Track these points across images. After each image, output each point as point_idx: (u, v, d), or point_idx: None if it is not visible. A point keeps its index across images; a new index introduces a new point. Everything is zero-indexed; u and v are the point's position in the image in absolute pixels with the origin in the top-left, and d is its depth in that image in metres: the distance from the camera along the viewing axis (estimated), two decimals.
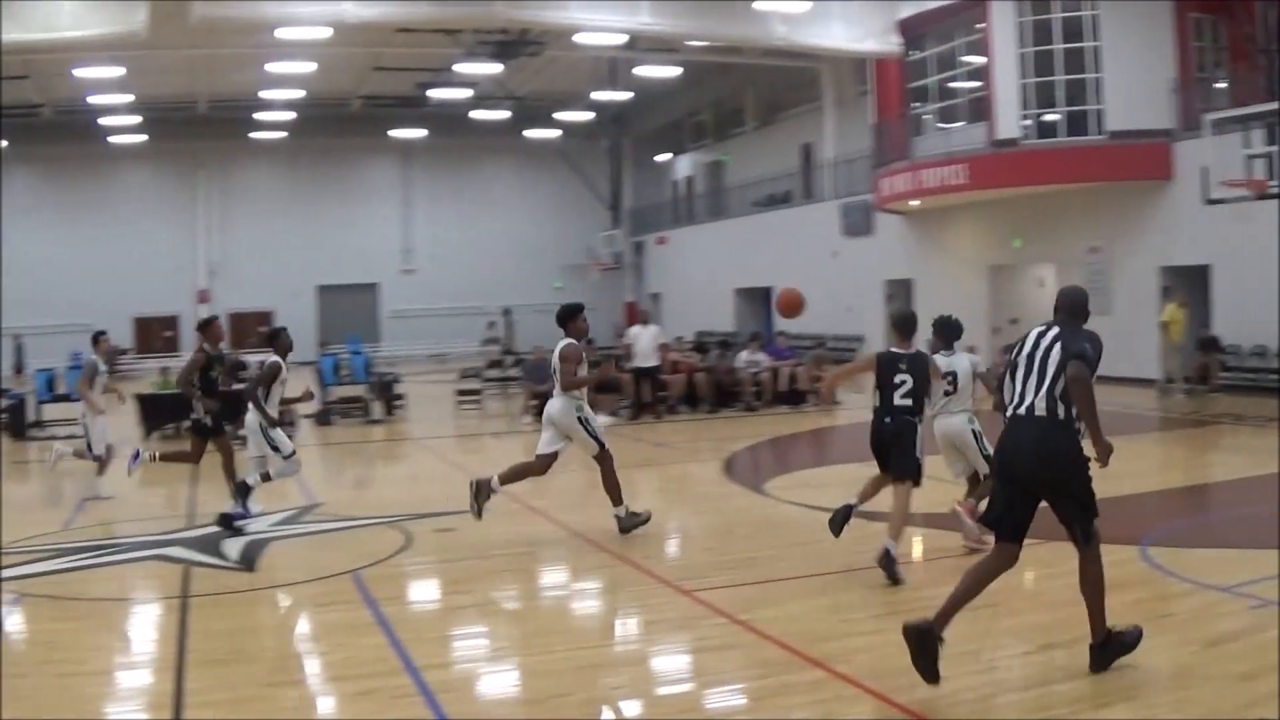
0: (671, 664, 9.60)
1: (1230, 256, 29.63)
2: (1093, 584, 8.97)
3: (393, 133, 59.04)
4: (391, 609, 10.87)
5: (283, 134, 56.99)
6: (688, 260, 58.71)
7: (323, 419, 27.81)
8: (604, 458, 14.39)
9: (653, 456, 22.30)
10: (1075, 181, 33.46)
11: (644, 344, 27.60)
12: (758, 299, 53.11)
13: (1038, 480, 8.73)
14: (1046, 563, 12.22)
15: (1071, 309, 8.95)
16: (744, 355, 30.13)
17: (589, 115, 57.57)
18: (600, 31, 36.37)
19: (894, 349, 12.64)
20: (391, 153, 62.69)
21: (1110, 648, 8.72)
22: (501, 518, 15.42)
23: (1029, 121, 34.13)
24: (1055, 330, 8.78)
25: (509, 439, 25.70)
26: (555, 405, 14.42)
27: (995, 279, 38.96)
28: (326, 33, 33.40)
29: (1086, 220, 34.74)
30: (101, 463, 18.22)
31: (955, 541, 13.29)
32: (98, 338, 19.25)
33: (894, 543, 11.90)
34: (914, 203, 38.79)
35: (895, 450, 12.36)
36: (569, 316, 14.58)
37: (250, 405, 15.23)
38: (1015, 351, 8.98)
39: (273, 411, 15.32)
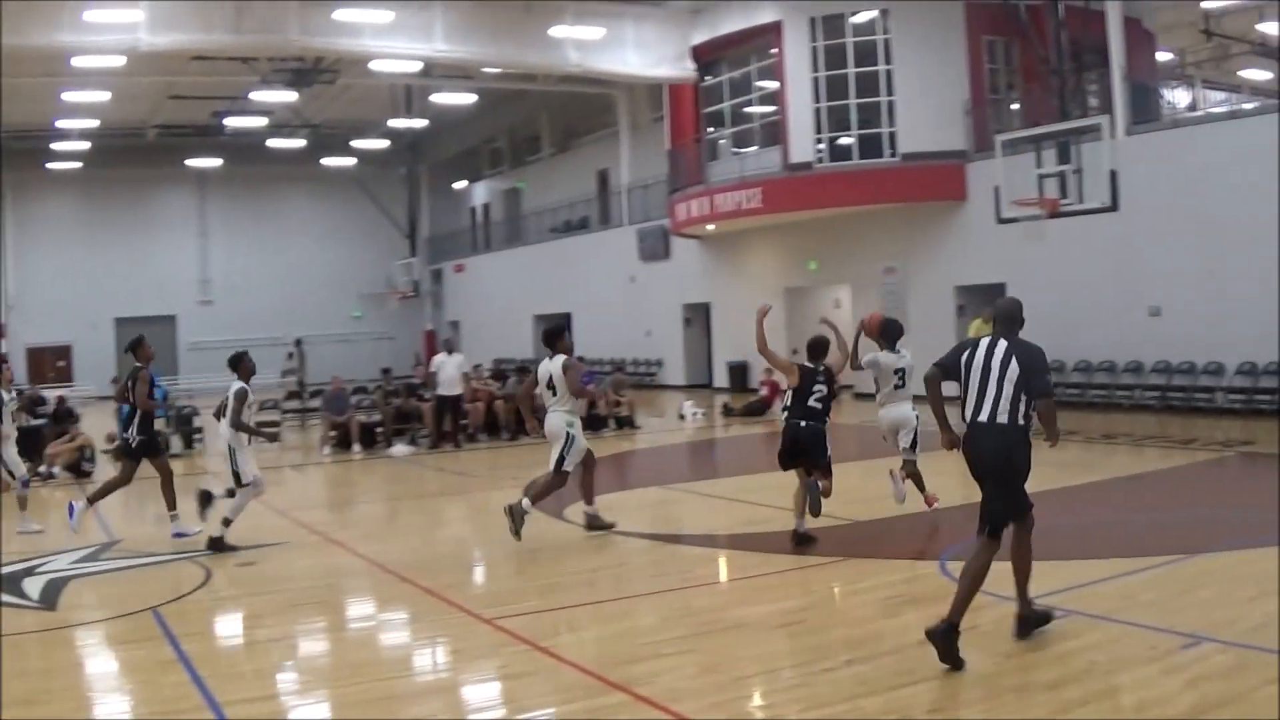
0: (475, 693, 9.43)
1: (1024, 275, 30.15)
2: (1021, 562, 10.05)
3: (189, 162, 57.90)
4: (193, 645, 10.57)
5: (78, 164, 55.68)
6: (486, 287, 58.58)
7: (120, 453, 27.22)
8: (561, 478, 15.27)
9: (454, 485, 22.13)
10: (869, 203, 33.91)
11: (448, 372, 27.34)
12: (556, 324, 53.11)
13: (989, 475, 9.76)
14: (849, 579, 12.32)
15: (1009, 320, 10.05)
16: None
17: (385, 143, 57.25)
18: (395, 59, 36.15)
19: (808, 364, 14.45)
20: (188, 182, 61.46)
21: (1030, 619, 9.85)
22: (302, 550, 15.25)
23: (823, 145, 34.46)
24: (1004, 344, 9.80)
25: (309, 470, 25.37)
26: (554, 418, 15.18)
27: (792, 301, 39.26)
28: (121, 61, 32.77)
29: (881, 241, 35.22)
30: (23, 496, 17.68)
31: (759, 562, 13.28)
32: None
33: (802, 521, 14.09)
34: (710, 227, 38.95)
35: (815, 448, 13.98)
36: (557, 336, 15.60)
37: (229, 428, 15.53)
38: (965, 361, 9.95)
39: (243, 436, 15.56)
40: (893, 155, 33.34)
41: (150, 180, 60.35)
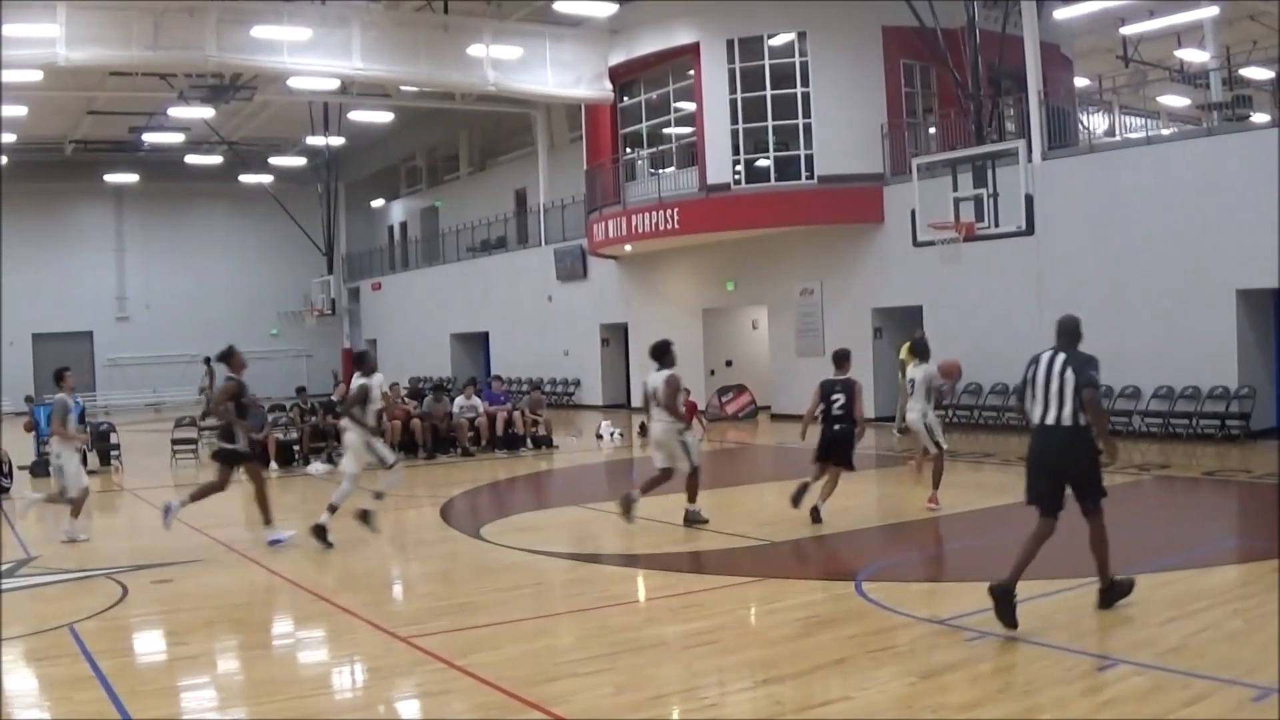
0: (392, 711, 9.37)
1: (940, 297, 30.31)
2: (1100, 543, 11.23)
3: (107, 177, 57.32)
4: (109, 662, 10.42)
5: None
6: (403, 306, 58.48)
7: (37, 470, 26.83)
8: (695, 473, 17.23)
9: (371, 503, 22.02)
10: (786, 225, 33.95)
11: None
12: (474, 344, 53.05)
13: (1067, 473, 11.11)
14: (765, 599, 12.31)
15: (1069, 334, 11.61)
16: (460, 400, 29.92)
17: (303, 160, 57.04)
18: (313, 76, 35.96)
19: (830, 378, 17.39)
20: (105, 197, 60.79)
21: (1114, 591, 11.12)
22: (219, 567, 15.11)
23: (740, 167, 34.49)
24: (1062, 356, 11.34)
25: (230, 488, 25.10)
26: (658, 428, 17.27)
27: (710, 321, 39.38)
28: (38, 76, 32.44)
29: (798, 263, 35.32)
30: (76, 504, 17.77)
31: (676, 582, 13.29)
32: (62, 374, 18.55)
33: (822, 504, 16.77)
34: (627, 247, 38.94)
35: (844, 447, 17.05)
36: (665, 351, 17.42)
37: (351, 423, 17.18)
38: (1030, 372, 11.55)
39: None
40: (810, 177, 33.38)
41: (67, 195, 59.66)
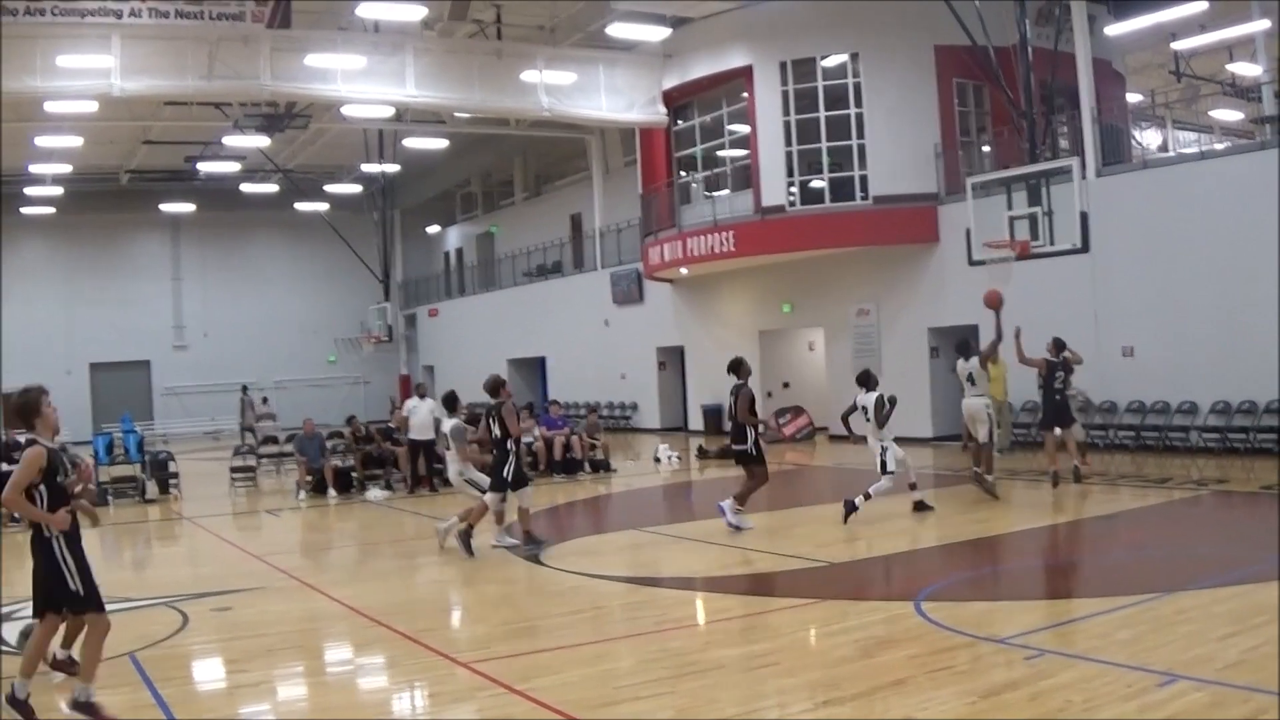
0: None
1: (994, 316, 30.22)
2: None
3: (163, 206, 57.65)
4: (170, 690, 10.51)
5: (52, 209, 55.35)
6: (460, 332, 58.48)
7: (97, 499, 27.10)
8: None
9: (430, 529, 22.04)
10: (841, 246, 33.90)
11: (421, 417, 27.31)
12: (531, 369, 53.13)
13: None
14: (824, 621, 12.32)
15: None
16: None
17: (358, 188, 57.21)
18: (367, 104, 36.14)
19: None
20: (162, 227, 61.08)
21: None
22: (277, 594, 15.19)
23: (795, 188, 34.51)
24: None
25: (284, 515, 25.26)
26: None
27: (766, 343, 39.35)
28: (94, 106, 32.77)
29: (854, 284, 35.29)
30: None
31: (735, 605, 13.32)
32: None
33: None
34: (683, 270, 38.96)
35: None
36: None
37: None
38: None
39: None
40: (864, 198, 33.36)
41: (124, 225, 59.90)
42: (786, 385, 39.33)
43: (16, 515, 12.94)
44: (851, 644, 11.27)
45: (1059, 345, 22.56)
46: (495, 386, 19.22)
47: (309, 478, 27.60)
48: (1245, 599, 11.99)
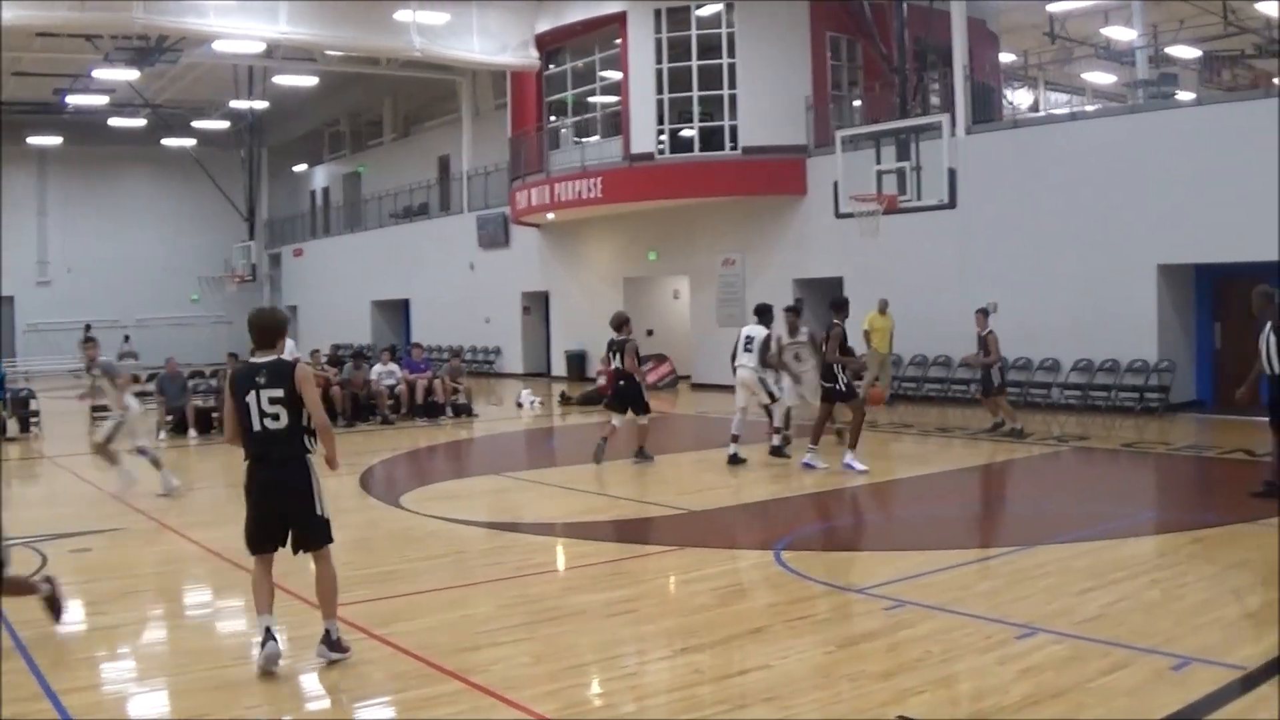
0: (310, 681, 9.20)
1: (862, 269, 30.36)
2: None
3: (30, 139, 56.45)
4: (29, 633, 10.21)
5: None
6: (324, 272, 57.98)
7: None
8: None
9: None
10: (709, 195, 33.93)
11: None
12: (395, 311, 52.81)
13: None
14: (684, 568, 12.26)
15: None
16: (379, 368, 29.72)
17: (226, 124, 56.38)
18: (238, 39, 35.56)
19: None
20: (28, 160, 59.65)
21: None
22: (138, 537, 14.90)
23: (664, 136, 34.45)
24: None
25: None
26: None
27: (631, 290, 39.31)
28: None
29: (721, 233, 35.33)
30: None
31: (595, 551, 13.28)
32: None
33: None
34: (550, 215, 38.80)
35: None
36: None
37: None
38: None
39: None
40: (733, 148, 33.36)
41: None
42: (650, 333, 39.29)
43: None
44: (710, 592, 11.21)
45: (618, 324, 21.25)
46: (620, 323, 20.82)
47: (169, 418, 27.20)
48: (1103, 554, 12.09)
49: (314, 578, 9.62)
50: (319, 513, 9.45)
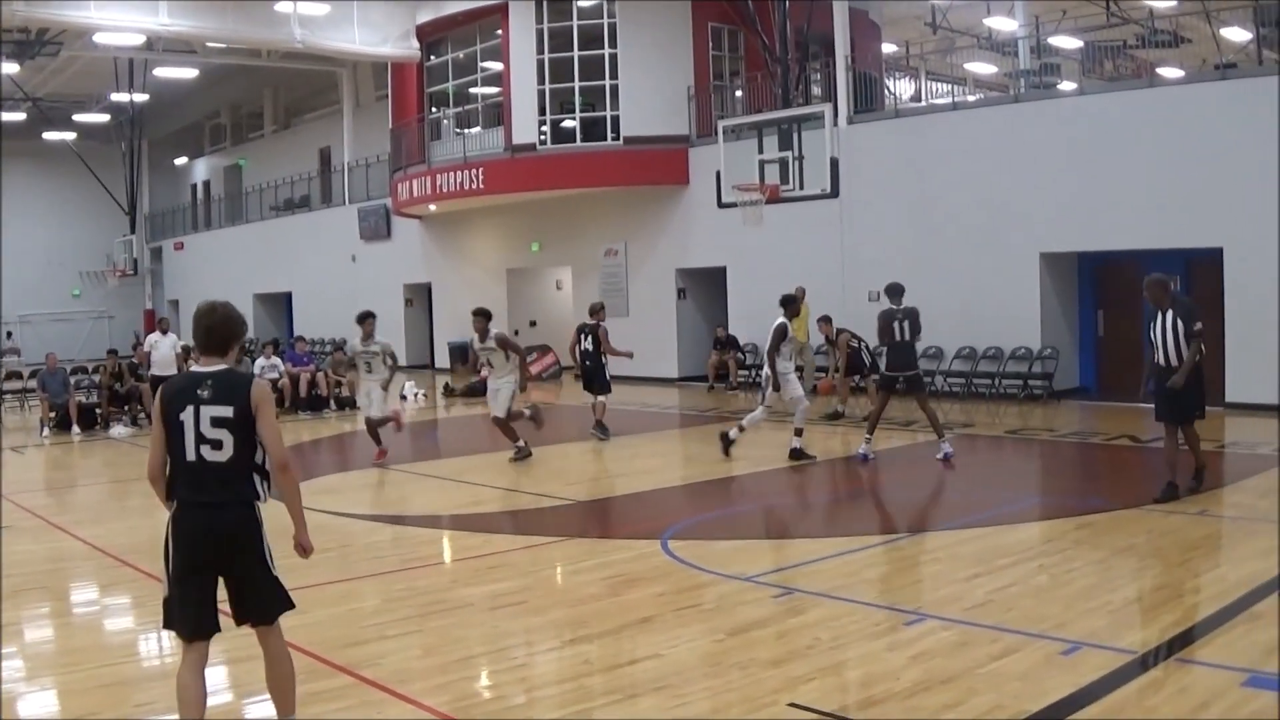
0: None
1: (744, 259, 30.46)
2: None
3: None
4: None
5: None
6: (206, 266, 57.25)
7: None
8: None
9: None
10: (591, 186, 33.91)
11: (163, 352, 26.67)
12: (277, 304, 52.41)
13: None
14: (571, 559, 12.23)
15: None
16: (261, 361, 29.49)
17: (106, 117, 55.61)
18: (118, 31, 35.08)
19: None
20: None
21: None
22: (23, 534, 14.64)
23: (546, 127, 34.32)
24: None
25: (29, 452, 24.40)
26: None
27: (514, 282, 39.25)
28: None
29: (603, 224, 35.34)
30: None
31: (482, 543, 13.24)
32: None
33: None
34: (432, 207, 38.63)
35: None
36: (790, 302, 19.41)
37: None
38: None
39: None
40: (615, 138, 33.33)
41: None
42: (534, 324, 39.22)
43: None
44: (599, 582, 11.17)
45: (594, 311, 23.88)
46: (595, 310, 23.29)
47: (52, 414, 26.84)
48: (990, 540, 12.17)
49: (264, 662, 7.55)
50: (272, 571, 7.44)
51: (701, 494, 16.55)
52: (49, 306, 59.81)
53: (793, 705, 7.56)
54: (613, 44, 33.32)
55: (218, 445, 6.89)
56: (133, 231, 58.89)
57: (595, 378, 22.47)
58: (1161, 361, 13.74)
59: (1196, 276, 23.72)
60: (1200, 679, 7.80)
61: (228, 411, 6.89)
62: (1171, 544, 11.89)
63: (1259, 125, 21.68)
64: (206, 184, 62.57)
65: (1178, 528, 12.50)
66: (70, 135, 55.93)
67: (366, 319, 20.72)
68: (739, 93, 33.90)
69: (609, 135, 33.48)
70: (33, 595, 11.70)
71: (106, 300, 61.88)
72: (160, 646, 9.99)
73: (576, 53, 33.76)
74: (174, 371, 25.99)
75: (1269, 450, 17.41)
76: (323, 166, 50.85)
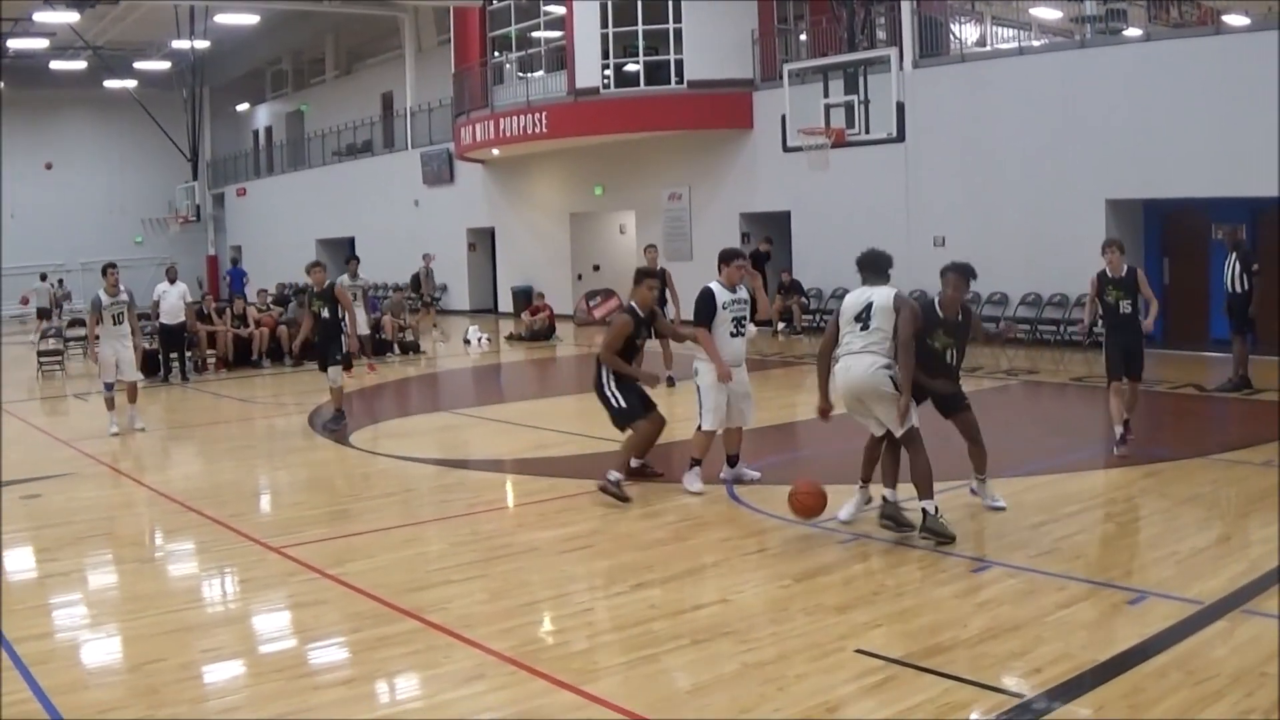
0: (265, 623, 9.14)
1: (809, 203, 30.34)
2: None
3: None
4: None
5: None
6: (268, 212, 57.56)
7: None
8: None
9: (237, 411, 21.68)
10: (655, 130, 33.77)
11: (171, 301, 26.61)
12: (340, 249, 52.52)
13: None
14: (637, 503, 12.21)
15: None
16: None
17: (167, 65, 55.69)
18: None
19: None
20: None
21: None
22: (88, 481, 14.77)
23: (609, 71, 34.21)
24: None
25: (92, 399, 24.56)
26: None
27: (577, 226, 39.22)
28: None
29: (667, 168, 35.22)
30: None
31: (547, 487, 13.34)
32: None
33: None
34: (495, 151, 38.60)
35: None
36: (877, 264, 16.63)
37: None
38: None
39: None
40: (679, 82, 33.19)
41: None
42: (597, 268, 39.19)
43: None
44: (664, 526, 11.20)
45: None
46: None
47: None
48: (1055, 488, 12.14)
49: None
50: None
51: (767, 438, 16.50)
52: (112, 254, 59.99)
53: (860, 651, 7.57)
54: None
55: None
56: (195, 178, 59.06)
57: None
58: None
59: (1262, 226, 23.49)
60: (1268, 630, 7.76)
61: None
62: (1238, 494, 11.85)
63: None
64: (269, 130, 62.72)
65: (1243, 477, 12.45)
66: (131, 83, 55.93)
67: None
68: (803, 36, 33.68)
69: (672, 79, 33.32)
70: (97, 541, 11.82)
71: (169, 247, 62.06)
72: (226, 592, 10.09)
73: None
74: (181, 320, 26.11)
75: None
76: (385, 111, 50.83)
